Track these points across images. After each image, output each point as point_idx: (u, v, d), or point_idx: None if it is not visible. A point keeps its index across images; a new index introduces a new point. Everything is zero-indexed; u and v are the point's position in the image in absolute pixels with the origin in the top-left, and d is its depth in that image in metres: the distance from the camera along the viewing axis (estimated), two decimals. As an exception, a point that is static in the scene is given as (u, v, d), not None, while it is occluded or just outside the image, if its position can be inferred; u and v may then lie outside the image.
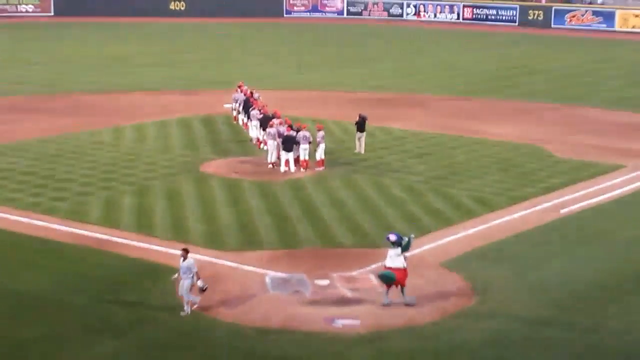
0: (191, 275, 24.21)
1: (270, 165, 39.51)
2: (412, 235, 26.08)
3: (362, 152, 42.40)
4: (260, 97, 46.24)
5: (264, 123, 41.54)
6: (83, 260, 28.29)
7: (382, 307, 24.70)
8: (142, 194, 35.24)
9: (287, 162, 38.82)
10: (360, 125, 42.50)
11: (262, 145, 42.34)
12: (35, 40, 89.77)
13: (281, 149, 38.94)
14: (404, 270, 25.00)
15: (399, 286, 25.00)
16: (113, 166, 39.50)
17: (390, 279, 24.99)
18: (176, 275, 24.50)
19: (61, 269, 27.49)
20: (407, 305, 24.85)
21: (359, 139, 42.65)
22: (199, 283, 24.32)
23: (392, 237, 25.18)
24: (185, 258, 24.26)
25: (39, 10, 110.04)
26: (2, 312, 24.45)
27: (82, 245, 29.50)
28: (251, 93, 47.11)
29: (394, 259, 24.99)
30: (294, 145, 38.73)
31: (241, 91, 48.23)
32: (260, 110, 42.99)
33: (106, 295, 25.35)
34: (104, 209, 33.28)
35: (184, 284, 24.17)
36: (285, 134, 38.88)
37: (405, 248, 25.12)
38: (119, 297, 25.26)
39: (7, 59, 76.00)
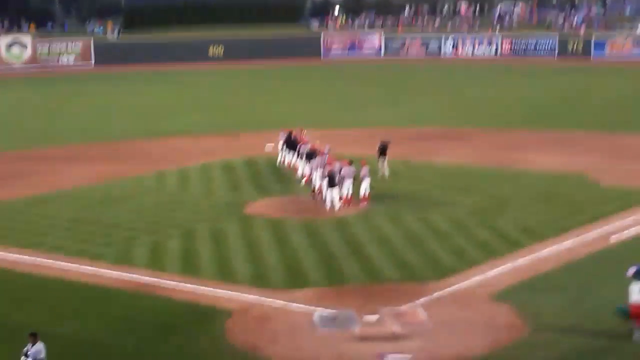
0: None
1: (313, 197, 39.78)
2: None
3: (386, 174, 43.89)
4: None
5: (310, 158, 42.15)
6: (131, 304, 28.36)
7: (434, 341, 24.47)
8: (187, 237, 35.29)
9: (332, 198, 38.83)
10: (382, 151, 44.41)
11: (304, 181, 43.10)
12: (76, 90, 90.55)
13: (326, 185, 38.93)
14: None
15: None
16: (158, 210, 39.66)
17: (622, 313, 24.46)
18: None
19: (110, 314, 27.55)
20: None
21: (382, 163, 44.29)
22: None
23: (631, 271, 24.49)
24: (34, 343, 21.62)
25: (79, 61, 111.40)
26: (53, 358, 24.47)
27: (130, 290, 29.54)
28: (290, 134, 47.27)
29: (636, 293, 24.15)
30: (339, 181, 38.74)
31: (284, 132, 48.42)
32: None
33: (155, 339, 25.34)
34: (151, 253, 33.37)
35: None
36: (329, 170, 38.81)
37: None
38: (168, 340, 25.25)
39: (49, 110, 76.61)
